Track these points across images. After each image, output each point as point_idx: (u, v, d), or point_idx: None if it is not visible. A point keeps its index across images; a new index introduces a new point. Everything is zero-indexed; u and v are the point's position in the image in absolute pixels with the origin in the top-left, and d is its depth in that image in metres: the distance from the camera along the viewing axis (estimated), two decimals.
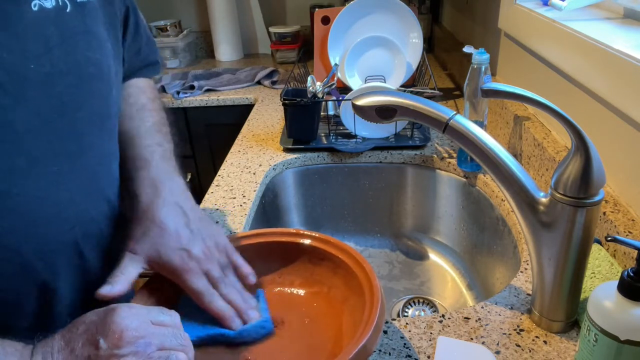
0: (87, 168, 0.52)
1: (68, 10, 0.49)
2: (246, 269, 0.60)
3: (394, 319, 0.63)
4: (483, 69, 0.88)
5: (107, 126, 0.57)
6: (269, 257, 0.65)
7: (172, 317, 0.46)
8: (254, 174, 1.03)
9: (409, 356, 0.57)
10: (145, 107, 0.67)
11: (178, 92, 1.57)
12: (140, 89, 0.69)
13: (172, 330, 0.45)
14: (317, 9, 1.36)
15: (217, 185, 1.00)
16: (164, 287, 0.57)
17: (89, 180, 0.53)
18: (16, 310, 0.46)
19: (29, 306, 0.50)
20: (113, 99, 0.57)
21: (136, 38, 0.67)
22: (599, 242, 0.66)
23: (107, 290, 0.51)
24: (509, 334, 0.59)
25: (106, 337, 0.41)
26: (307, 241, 0.64)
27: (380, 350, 0.58)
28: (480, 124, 0.92)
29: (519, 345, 0.58)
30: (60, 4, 0.48)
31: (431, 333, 0.60)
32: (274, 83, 1.65)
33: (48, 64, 0.46)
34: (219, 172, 1.05)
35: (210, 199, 0.95)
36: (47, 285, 0.50)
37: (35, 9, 0.45)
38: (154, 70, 0.73)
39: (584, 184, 0.51)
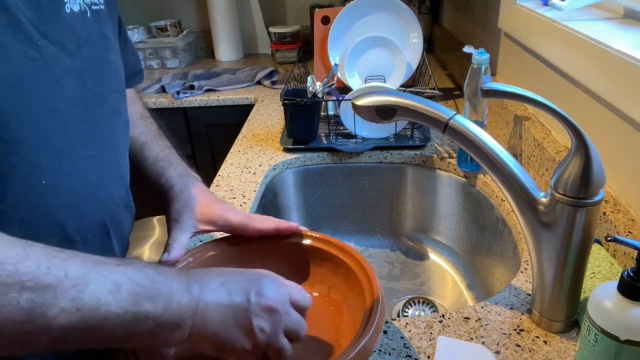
0: (111, 155, 0.58)
1: (88, 15, 0.54)
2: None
3: (394, 319, 0.63)
4: (483, 69, 0.88)
5: (123, 119, 0.62)
6: (269, 257, 0.65)
7: (306, 300, 0.50)
8: (254, 174, 1.03)
9: (409, 356, 0.57)
10: (143, 116, 0.73)
11: (178, 92, 1.57)
12: (133, 99, 0.75)
13: (297, 316, 0.48)
14: (317, 9, 1.36)
15: (217, 185, 1.00)
16: None
17: (113, 167, 0.59)
18: None
19: None
20: (124, 95, 0.63)
21: (125, 47, 0.72)
22: (599, 242, 0.66)
23: (165, 257, 0.59)
24: (509, 334, 0.59)
25: (257, 297, 0.45)
26: (307, 241, 0.64)
27: (380, 350, 0.58)
28: (480, 124, 0.92)
29: (519, 345, 0.58)
30: (82, 8, 0.54)
31: (431, 333, 0.60)
32: (274, 83, 1.65)
33: (80, 60, 0.51)
34: (219, 172, 1.05)
35: None
36: None
37: (68, 11, 0.51)
38: (138, 79, 0.78)
39: (584, 184, 0.51)
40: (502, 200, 0.90)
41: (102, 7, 0.57)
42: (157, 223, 1.55)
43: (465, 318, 0.62)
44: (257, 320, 0.45)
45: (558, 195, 0.52)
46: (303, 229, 0.65)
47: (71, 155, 0.50)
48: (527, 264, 0.71)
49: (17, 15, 0.44)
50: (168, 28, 1.94)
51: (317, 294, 0.63)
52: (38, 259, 0.37)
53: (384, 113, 0.56)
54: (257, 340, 0.45)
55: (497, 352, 0.57)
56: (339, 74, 1.25)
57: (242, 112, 1.49)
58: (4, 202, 0.45)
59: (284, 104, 1.07)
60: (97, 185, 0.54)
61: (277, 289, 0.47)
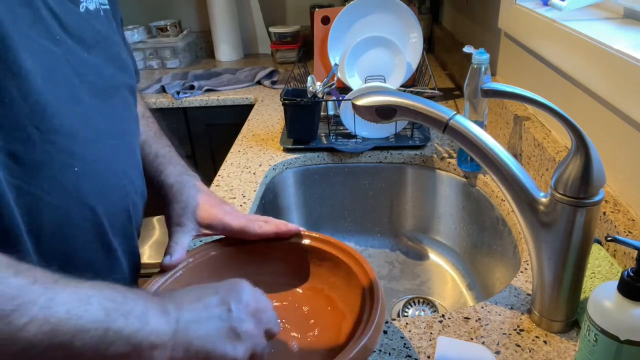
0: (129, 145, 0.60)
1: (101, 14, 0.57)
2: None
3: (394, 319, 0.63)
4: (483, 69, 0.88)
5: (134, 113, 0.64)
6: (269, 257, 0.65)
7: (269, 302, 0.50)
8: (254, 174, 1.03)
9: (409, 356, 0.57)
10: (144, 115, 0.73)
11: (178, 92, 1.57)
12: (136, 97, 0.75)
13: (273, 314, 0.50)
14: (317, 9, 1.36)
15: (217, 185, 1.00)
16: None
17: (132, 156, 0.60)
18: (87, 269, 0.49)
19: (98, 266, 0.55)
20: (135, 92, 0.65)
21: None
22: (599, 242, 0.66)
23: (167, 260, 0.60)
24: (509, 334, 0.59)
25: (238, 304, 0.46)
26: (307, 241, 0.64)
27: (380, 350, 0.58)
28: (480, 124, 0.92)
29: (519, 345, 0.58)
30: (97, 7, 0.56)
31: (431, 333, 0.60)
32: (274, 83, 1.65)
33: (96, 55, 0.54)
34: (219, 172, 1.05)
35: None
36: (110, 245, 0.55)
37: (83, 10, 0.53)
38: (136, 79, 0.77)
39: (584, 184, 0.51)
40: (502, 200, 0.90)
41: (107, 7, 0.59)
42: (157, 223, 1.55)
43: (465, 318, 0.62)
44: (243, 325, 0.45)
45: (558, 195, 0.52)
46: (302, 230, 0.65)
47: (98, 144, 0.52)
48: (527, 264, 0.71)
49: (40, 11, 0.46)
50: (168, 28, 1.94)
51: (317, 294, 0.63)
52: (4, 263, 0.35)
53: (384, 113, 0.56)
54: (247, 345, 0.45)
55: (497, 352, 0.57)
56: (339, 74, 1.25)
57: (242, 112, 1.49)
58: (41, 188, 0.46)
59: (284, 104, 1.07)
60: (121, 172, 0.56)
61: (252, 292, 0.48)
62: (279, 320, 0.50)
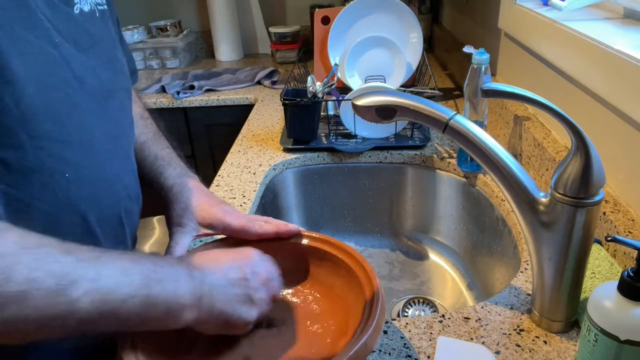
0: (124, 150, 0.60)
1: (97, 14, 0.56)
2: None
3: (394, 319, 0.63)
4: (483, 69, 0.88)
5: (129, 116, 0.63)
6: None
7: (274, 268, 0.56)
8: (254, 174, 1.03)
9: (409, 356, 0.57)
10: (143, 116, 0.73)
11: (178, 92, 1.57)
12: (132, 99, 0.76)
13: (279, 281, 0.56)
14: (317, 9, 1.36)
15: (217, 185, 1.00)
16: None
17: (127, 161, 0.61)
18: None
19: None
20: (130, 94, 0.65)
21: (121, 47, 0.71)
22: (599, 242, 0.66)
23: None
24: (509, 334, 0.59)
25: (253, 273, 0.52)
26: (307, 241, 0.64)
27: (380, 350, 0.58)
28: (480, 124, 0.92)
29: (519, 345, 0.58)
30: (92, 8, 0.55)
31: (431, 333, 0.60)
32: (274, 83, 1.65)
33: (92, 58, 0.53)
34: (219, 172, 1.06)
35: None
36: None
37: (77, 11, 0.52)
38: (133, 79, 0.79)
39: (584, 184, 0.51)
40: (502, 200, 0.90)
41: (105, 7, 0.59)
42: (157, 223, 1.55)
43: (465, 318, 0.62)
44: (257, 293, 0.51)
45: (558, 195, 0.52)
46: (302, 230, 0.65)
47: (91, 149, 0.52)
48: (527, 264, 0.71)
49: (37, 14, 0.46)
50: (168, 28, 1.94)
51: (317, 294, 0.63)
52: (56, 245, 0.39)
53: (384, 113, 0.56)
54: (259, 309, 0.51)
55: (497, 352, 0.57)
56: (339, 74, 1.25)
57: (242, 112, 1.49)
58: (30, 195, 0.46)
59: (284, 104, 1.07)
60: (114, 177, 0.56)
61: (264, 262, 0.54)
62: (282, 284, 0.56)
